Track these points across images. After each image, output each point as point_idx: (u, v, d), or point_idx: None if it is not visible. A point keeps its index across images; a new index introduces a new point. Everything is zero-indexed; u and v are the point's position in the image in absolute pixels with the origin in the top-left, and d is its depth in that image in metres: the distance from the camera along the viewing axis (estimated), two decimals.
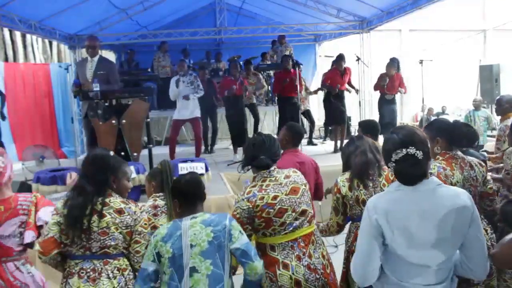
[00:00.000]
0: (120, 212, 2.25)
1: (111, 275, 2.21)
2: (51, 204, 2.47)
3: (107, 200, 2.25)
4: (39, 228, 2.39)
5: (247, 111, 7.94)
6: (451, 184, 2.54)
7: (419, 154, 1.78)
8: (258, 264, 2.17)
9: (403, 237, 1.76)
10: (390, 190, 1.87)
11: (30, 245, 2.42)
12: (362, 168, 2.62)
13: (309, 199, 2.55)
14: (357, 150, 2.70)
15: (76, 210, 2.21)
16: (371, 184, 2.64)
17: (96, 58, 5.48)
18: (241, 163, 2.58)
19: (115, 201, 2.27)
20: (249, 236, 2.33)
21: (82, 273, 2.20)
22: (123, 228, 2.24)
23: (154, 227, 2.82)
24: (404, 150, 1.78)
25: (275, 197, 2.39)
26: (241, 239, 2.18)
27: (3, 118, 7.27)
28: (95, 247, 2.21)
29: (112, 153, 2.41)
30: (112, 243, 2.22)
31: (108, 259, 2.23)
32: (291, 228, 2.39)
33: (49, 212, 2.38)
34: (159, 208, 2.88)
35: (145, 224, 2.34)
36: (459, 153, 2.67)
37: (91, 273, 2.20)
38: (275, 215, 2.37)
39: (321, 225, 2.82)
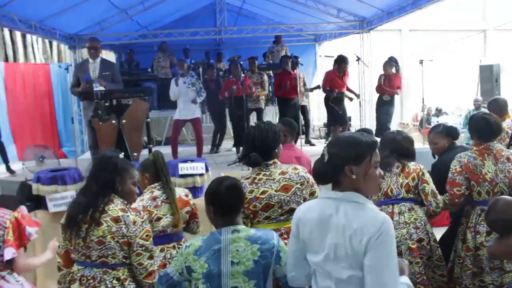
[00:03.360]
0: (116, 220, 2.16)
1: (109, 285, 2.16)
2: (35, 224, 2.46)
3: (106, 208, 2.18)
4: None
5: (254, 114, 7.97)
6: (481, 173, 2.82)
7: (326, 156, 1.73)
8: None
9: None
10: None
11: (10, 261, 2.34)
12: None
13: (303, 198, 2.49)
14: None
15: (76, 209, 2.19)
16: (387, 174, 2.90)
17: (98, 60, 5.48)
18: (238, 158, 2.61)
19: (114, 208, 2.19)
20: None
21: (83, 280, 2.19)
22: (119, 237, 2.16)
23: (158, 219, 2.81)
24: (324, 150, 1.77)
25: (264, 192, 2.41)
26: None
27: None
28: (94, 255, 2.17)
29: (122, 155, 2.37)
30: (109, 252, 2.16)
31: (107, 268, 2.18)
32: (275, 221, 2.44)
33: (33, 228, 2.40)
34: (158, 199, 2.85)
35: (147, 236, 2.24)
36: (498, 145, 2.90)
37: (91, 281, 2.17)
38: (261, 209, 2.41)
39: None
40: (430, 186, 2.91)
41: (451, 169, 2.92)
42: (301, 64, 8.26)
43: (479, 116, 3.00)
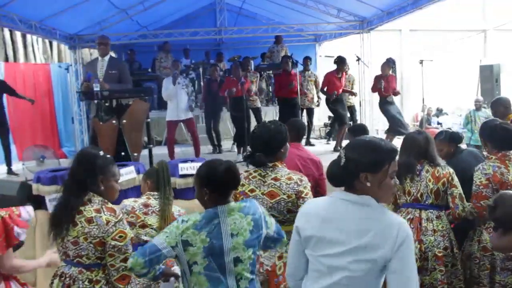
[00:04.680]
0: (89, 221, 2.12)
1: (81, 286, 2.13)
2: (23, 225, 2.38)
3: (82, 208, 2.14)
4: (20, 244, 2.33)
5: (251, 114, 7.97)
6: (508, 181, 2.81)
7: (342, 160, 1.71)
8: (286, 240, 2.18)
9: None
10: None
11: None
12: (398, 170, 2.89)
13: (286, 209, 2.46)
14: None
15: (60, 211, 2.17)
16: (417, 178, 2.94)
17: (106, 58, 5.48)
18: (243, 157, 2.62)
19: (89, 209, 2.14)
20: None
21: (63, 277, 2.19)
22: (91, 238, 2.12)
23: (143, 226, 2.85)
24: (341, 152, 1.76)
25: (251, 190, 2.45)
26: (273, 223, 2.17)
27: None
28: (71, 254, 2.16)
29: (102, 152, 2.28)
30: (83, 253, 2.13)
31: (82, 268, 2.16)
32: None
33: (22, 229, 2.34)
34: (150, 208, 2.90)
35: (120, 237, 2.15)
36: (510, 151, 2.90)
37: (68, 279, 2.16)
38: None
39: None
40: (459, 190, 2.95)
41: (475, 182, 2.88)
42: (301, 64, 8.25)
43: (497, 126, 2.98)
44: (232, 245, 1.98)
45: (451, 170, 2.99)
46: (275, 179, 2.45)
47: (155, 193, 2.97)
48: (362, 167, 1.65)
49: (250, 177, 2.49)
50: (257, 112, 8.09)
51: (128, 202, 2.88)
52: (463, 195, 2.95)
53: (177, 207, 3.06)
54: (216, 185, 2.03)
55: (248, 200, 2.16)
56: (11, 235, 2.29)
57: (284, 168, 2.51)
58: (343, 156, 1.70)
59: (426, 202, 2.96)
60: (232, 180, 2.08)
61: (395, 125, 7.49)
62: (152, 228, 2.86)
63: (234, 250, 1.98)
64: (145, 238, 2.82)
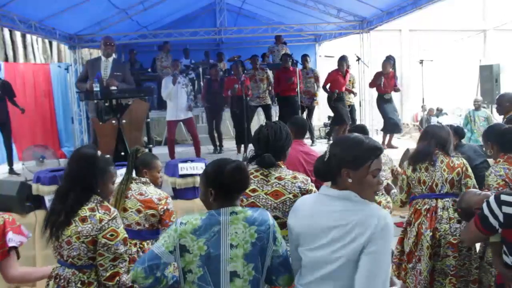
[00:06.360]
0: (83, 220, 2.06)
1: None
2: (20, 231, 2.22)
3: None
4: (10, 250, 2.16)
5: (260, 111, 7.97)
6: None
7: (327, 155, 1.74)
8: (293, 277, 1.90)
9: None
10: None
11: None
12: (415, 155, 3.13)
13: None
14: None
15: (53, 216, 2.11)
16: (431, 168, 3.04)
17: (110, 59, 5.48)
18: (247, 158, 2.54)
19: (84, 208, 2.09)
20: None
21: (57, 278, 2.13)
22: (84, 237, 2.05)
23: (124, 210, 2.95)
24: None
25: (253, 190, 2.33)
26: (283, 244, 1.91)
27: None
28: (65, 255, 2.10)
29: (100, 152, 2.24)
30: (75, 253, 2.07)
31: (75, 269, 2.09)
32: None
33: (19, 235, 2.19)
34: (130, 191, 3.01)
35: (112, 235, 2.07)
36: None
37: (62, 280, 2.11)
38: (246, 205, 2.29)
39: (392, 191, 3.37)
40: (473, 181, 3.04)
41: (492, 186, 2.87)
42: (301, 64, 8.25)
43: (506, 130, 3.03)
44: (230, 256, 1.80)
45: (465, 161, 3.09)
46: (279, 178, 2.36)
47: (136, 177, 3.08)
48: (344, 163, 1.67)
49: (252, 176, 2.36)
50: (267, 109, 8.04)
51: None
52: (477, 186, 3.03)
53: (158, 190, 3.08)
54: (222, 185, 1.88)
55: (260, 209, 1.97)
56: (3, 239, 2.16)
57: (286, 168, 2.47)
58: (328, 152, 1.74)
59: (442, 191, 3.04)
60: (240, 181, 1.91)
61: (387, 124, 7.55)
62: (132, 212, 2.96)
63: (231, 263, 1.80)
64: (126, 222, 2.93)
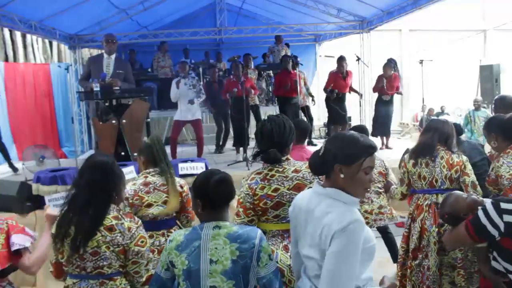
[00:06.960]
0: (111, 229, 2.05)
1: None
2: (24, 232, 2.22)
3: None
4: (15, 253, 2.14)
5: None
6: None
7: (322, 150, 1.78)
8: None
9: None
10: None
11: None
12: (417, 147, 3.14)
13: None
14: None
15: (65, 227, 2.06)
16: (432, 164, 3.06)
17: (113, 56, 5.47)
18: (252, 155, 2.51)
19: (108, 217, 2.07)
20: (251, 221, 2.27)
21: None
22: (115, 246, 2.05)
23: (149, 205, 2.82)
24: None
25: (276, 190, 2.26)
26: (269, 266, 1.87)
27: None
28: (89, 267, 2.06)
29: (111, 158, 2.23)
30: (105, 263, 2.06)
31: (103, 279, 2.08)
32: (284, 221, 2.30)
33: (23, 237, 2.17)
34: (151, 185, 2.85)
35: (142, 242, 2.11)
36: None
37: None
38: (271, 207, 2.27)
39: (392, 187, 3.45)
40: (471, 178, 3.02)
41: (505, 176, 2.85)
42: (301, 64, 8.25)
43: (508, 118, 2.97)
44: (210, 271, 1.82)
45: (465, 158, 3.07)
46: (296, 171, 2.30)
47: (151, 170, 2.92)
48: (337, 158, 1.69)
49: (268, 177, 2.29)
50: (256, 109, 8.09)
51: (128, 187, 2.80)
52: (476, 183, 3.01)
53: (178, 179, 3.00)
54: (208, 196, 1.91)
55: (250, 227, 1.97)
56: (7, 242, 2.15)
57: (294, 160, 2.41)
58: (323, 147, 1.77)
59: (442, 187, 3.05)
60: (223, 193, 1.93)
61: (374, 126, 7.67)
62: (158, 205, 2.84)
63: (211, 278, 1.81)
64: (154, 212, 2.82)
